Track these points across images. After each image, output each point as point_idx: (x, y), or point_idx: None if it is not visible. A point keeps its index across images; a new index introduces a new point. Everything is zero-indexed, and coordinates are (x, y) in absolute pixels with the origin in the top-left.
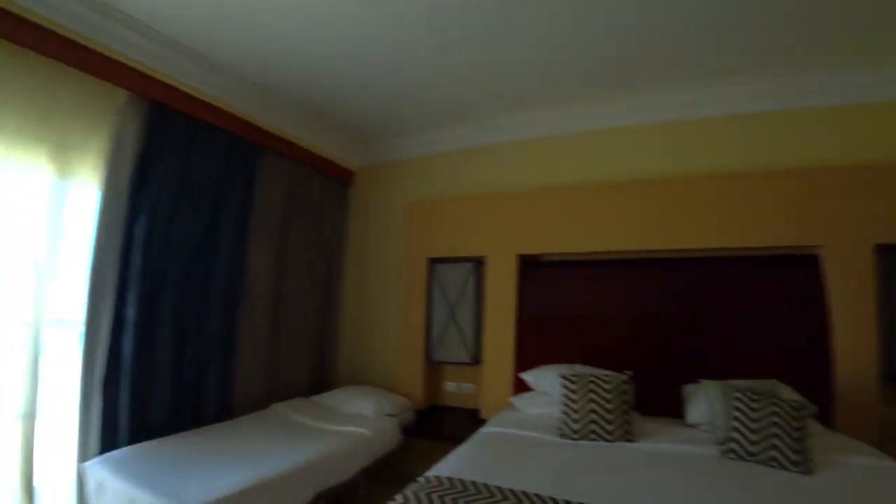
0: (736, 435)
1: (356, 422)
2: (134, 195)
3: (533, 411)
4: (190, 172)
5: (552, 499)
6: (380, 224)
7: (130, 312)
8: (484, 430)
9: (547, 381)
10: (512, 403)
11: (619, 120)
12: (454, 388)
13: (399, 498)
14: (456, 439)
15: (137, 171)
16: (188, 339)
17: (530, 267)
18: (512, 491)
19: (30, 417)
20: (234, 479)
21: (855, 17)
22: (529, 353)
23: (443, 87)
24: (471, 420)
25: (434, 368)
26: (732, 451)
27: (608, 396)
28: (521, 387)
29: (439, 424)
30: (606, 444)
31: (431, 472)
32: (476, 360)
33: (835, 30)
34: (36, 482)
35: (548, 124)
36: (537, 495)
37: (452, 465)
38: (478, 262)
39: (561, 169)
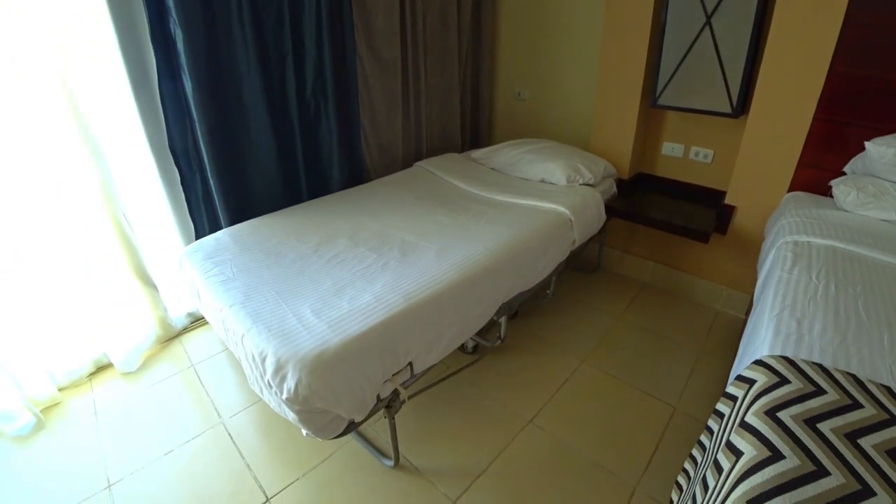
0: None
1: (544, 193)
2: None
3: (871, 213)
4: None
5: None
6: None
7: (176, 31)
8: (793, 237)
9: None
10: (832, 192)
11: None
12: (678, 153)
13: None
14: (689, 232)
15: None
16: (281, 68)
17: None
18: None
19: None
20: (372, 291)
21: None
22: (844, 109)
23: None
24: (707, 205)
25: (650, 120)
26: None
27: None
28: (805, 165)
29: (655, 204)
30: None
31: (778, 352)
32: (737, 111)
33: None
34: (153, 275)
35: None
36: None
37: (789, 326)
38: None
39: None
